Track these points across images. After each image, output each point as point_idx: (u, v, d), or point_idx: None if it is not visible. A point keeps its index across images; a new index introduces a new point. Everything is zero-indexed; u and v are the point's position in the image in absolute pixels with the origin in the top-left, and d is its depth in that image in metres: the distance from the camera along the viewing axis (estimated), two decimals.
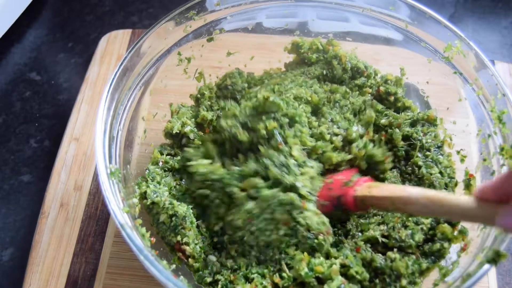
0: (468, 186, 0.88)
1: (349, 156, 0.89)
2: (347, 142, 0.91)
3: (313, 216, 0.80)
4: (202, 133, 0.97)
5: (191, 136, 0.95)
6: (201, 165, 0.86)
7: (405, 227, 0.82)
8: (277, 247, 0.81)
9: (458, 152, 0.93)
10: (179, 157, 0.94)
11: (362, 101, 0.97)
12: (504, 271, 0.93)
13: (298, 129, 0.88)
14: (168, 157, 0.94)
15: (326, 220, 0.81)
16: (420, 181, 0.89)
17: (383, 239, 0.82)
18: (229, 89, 1.01)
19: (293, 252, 0.80)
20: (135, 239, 0.70)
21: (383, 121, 0.96)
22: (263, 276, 0.80)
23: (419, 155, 0.91)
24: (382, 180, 0.91)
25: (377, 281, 0.77)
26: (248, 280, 0.80)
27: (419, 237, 0.80)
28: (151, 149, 0.96)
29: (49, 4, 1.41)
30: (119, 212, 0.73)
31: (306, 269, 0.78)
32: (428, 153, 0.91)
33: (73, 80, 1.25)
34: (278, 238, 0.80)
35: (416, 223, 0.82)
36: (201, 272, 0.83)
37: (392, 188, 0.79)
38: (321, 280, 0.78)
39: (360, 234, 0.86)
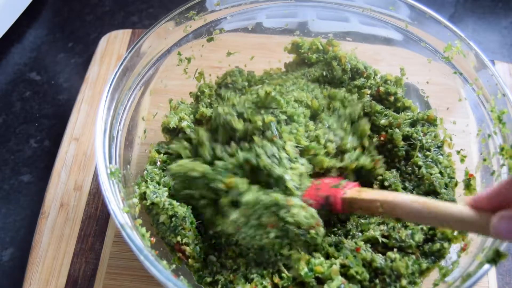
0: (468, 186, 0.88)
1: (340, 164, 0.89)
2: (340, 152, 0.91)
3: (300, 212, 0.78)
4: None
5: (188, 131, 0.94)
6: (178, 165, 0.86)
7: (405, 227, 0.82)
8: (271, 249, 0.81)
9: (458, 152, 0.93)
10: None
11: (360, 108, 0.96)
12: (504, 271, 0.93)
13: (294, 127, 0.88)
14: (166, 156, 0.94)
15: (314, 211, 0.80)
16: (420, 181, 0.89)
17: (383, 239, 0.82)
18: (230, 87, 1.01)
19: (287, 252, 0.80)
20: (135, 239, 0.70)
21: (383, 121, 0.95)
22: (262, 276, 0.80)
23: (419, 155, 0.91)
24: (381, 181, 0.91)
25: (377, 281, 0.77)
26: (248, 280, 0.80)
27: (419, 237, 0.80)
28: None
29: (49, 4, 1.41)
30: (119, 212, 0.73)
31: (306, 269, 0.78)
32: (428, 153, 0.91)
33: (73, 80, 1.25)
34: (270, 241, 0.80)
35: (416, 223, 0.82)
36: (201, 272, 0.83)
37: (383, 192, 0.78)
38: (321, 280, 0.78)
39: (360, 234, 0.86)
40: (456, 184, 0.89)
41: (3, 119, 1.20)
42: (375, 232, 0.83)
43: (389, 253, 0.79)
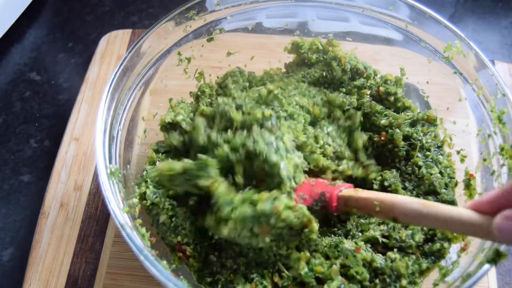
0: (468, 186, 0.88)
1: (335, 167, 0.89)
2: (337, 157, 0.91)
3: (289, 214, 0.76)
4: None
5: (183, 124, 0.94)
6: (156, 169, 0.86)
7: (406, 227, 0.82)
8: (269, 250, 0.81)
9: (458, 152, 0.93)
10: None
11: (359, 120, 0.96)
12: (504, 271, 0.93)
13: (293, 123, 0.88)
14: (164, 155, 0.93)
15: (304, 209, 0.77)
16: (420, 181, 0.89)
17: (383, 239, 0.82)
18: (229, 90, 1.01)
19: (286, 252, 0.80)
20: (135, 239, 0.70)
21: (383, 121, 0.95)
22: (263, 276, 0.80)
23: (419, 155, 0.91)
24: (381, 181, 0.91)
25: (377, 281, 0.77)
26: (248, 280, 0.80)
27: (419, 237, 0.80)
28: None
29: (49, 4, 1.41)
30: (119, 212, 0.73)
31: (306, 269, 0.78)
32: (428, 153, 0.91)
33: (73, 80, 1.25)
34: (267, 244, 0.79)
35: (414, 225, 0.82)
36: (201, 272, 0.83)
37: (381, 193, 0.77)
38: (321, 280, 0.78)
39: (360, 234, 0.86)
40: (456, 184, 0.89)
41: (3, 119, 1.20)
42: (375, 232, 0.83)
43: (389, 253, 0.79)
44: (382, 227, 0.84)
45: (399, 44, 1.00)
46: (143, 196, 0.85)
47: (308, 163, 0.87)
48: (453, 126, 0.95)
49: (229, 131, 0.85)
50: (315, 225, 0.78)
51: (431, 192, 0.87)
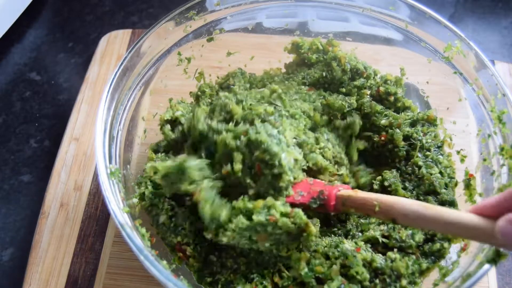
0: (468, 186, 0.88)
1: (333, 169, 0.89)
2: (336, 163, 0.91)
3: (286, 221, 0.75)
4: None
5: (182, 120, 0.93)
6: (150, 167, 0.84)
7: (405, 227, 0.82)
8: (270, 252, 0.81)
9: (458, 152, 0.93)
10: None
11: (357, 127, 0.96)
12: (504, 271, 0.93)
13: (295, 122, 0.88)
14: (163, 154, 0.93)
15: (300, 213, 0.77)
16: (420, 181, 0.89)
17: (383, 239, 0.82)
18: (232, 88, 1.01)
19: (286, 254, 0.80)
20: (135, 239, 0.70)
21: (383, 121, 0.95)
22: (263, 276, 0.80)
23: (419, 155, 0.91)
24: (381, 181, 0.91)
25: (377, 281, 0.77)
26: (248, 280, 0.80)
27: (419, 237, 0.80)
28: None
29: (49, 4, 1.41)
30: (119, 212, 0.73)
31: (306, 269, 0.78)
32: (428, 153, 0.91)
33: (73, 80, 1.25)
34: (266, 249, 0.79)
35: (413, 227, 0.82)
36: (201, 272, 0.83)
37: (381, 194, 0.77)
38: (321, 280, 0.78)
39: (360, 234, 0.86)
40: (456, 184, 0.89)
41: (3, 119, 1.20)
42: (375, 232, 0.83)
43: (389, 253, 0.79)
44: (382, 227, 0.84)
45: (399, 44, 1.00)
46: (143, 196, 0.85)
47: (307, 162, 0.87)
48: (453, 126, 0.95)
49: (230, 123, 0.83)
50: (313, 229, 0.78)
51: (431, 192, 0.87)
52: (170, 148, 0.94)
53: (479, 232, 0.63)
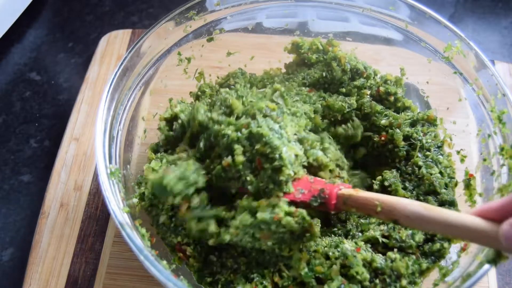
0: (468, 186, 0.88)
1: (333, 166, 0.89)
2: (337, 166, 0.91)
3: (290, 220, 0.76)
4: None
5: (182, 116, 0.92)
6: (147, 168, 0.85)
7: (405, 227, 0.82)
8: (272, 252, 0.81)
9: (458, 152, 0.93)
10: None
11: (359, 134, 0.96)
12: (504, 271, 0.93)
13: (296, 119, 0.88)
14: (162, 154, 0.93)
15: (304, 213, 0.77)
16: (420, 181, 0.88)
17: (384, 239, 0.82)
18: (232, 89, 1.00)
19: (287, 253, 0.80)
20: (135, 239, 0.70)
21: (383, 121, 0.95)
22: (263, 276, 0.80)
23: (419, 155, 0.91)
24: (381, 181, 0.91)
25: (377, 281, 0.77)
26: (248, 280, 0.80)
27: (419, 237, 0.80)
28: None
29: (49, 4, 1.41)
30: (119, 212, 0.73)
31: (306, 269, 0.78)
32: (428, 153, 0.91)
33: (73, 80, 1.26)
34: (269, 247, 0.79)
35: (414, 228, 0.82)
36: (201, 272, 0.83)
37: (382, 194, 0.76)
38: (321, 280, 0.78)
39: (360, 234, 0.86)
40: (456, 184, 0.89)
41: (3, 119, 1.20)
42: (375, 232, 0.83)
43: (389, 253, 0.79)
44: (382, 227, 0.84)
45: (399, 44, 1.00)
46: (143, 196, 0.85)
47: (307, 157, 0.86)
48: (453, 126, 0.95)
49: (231, 117, 0.83)
50: (316, 230, 0.78)
51: (431, 192, 0.87)
52: (168, 144, 0.94)
53: (482, 235, 0.63)
